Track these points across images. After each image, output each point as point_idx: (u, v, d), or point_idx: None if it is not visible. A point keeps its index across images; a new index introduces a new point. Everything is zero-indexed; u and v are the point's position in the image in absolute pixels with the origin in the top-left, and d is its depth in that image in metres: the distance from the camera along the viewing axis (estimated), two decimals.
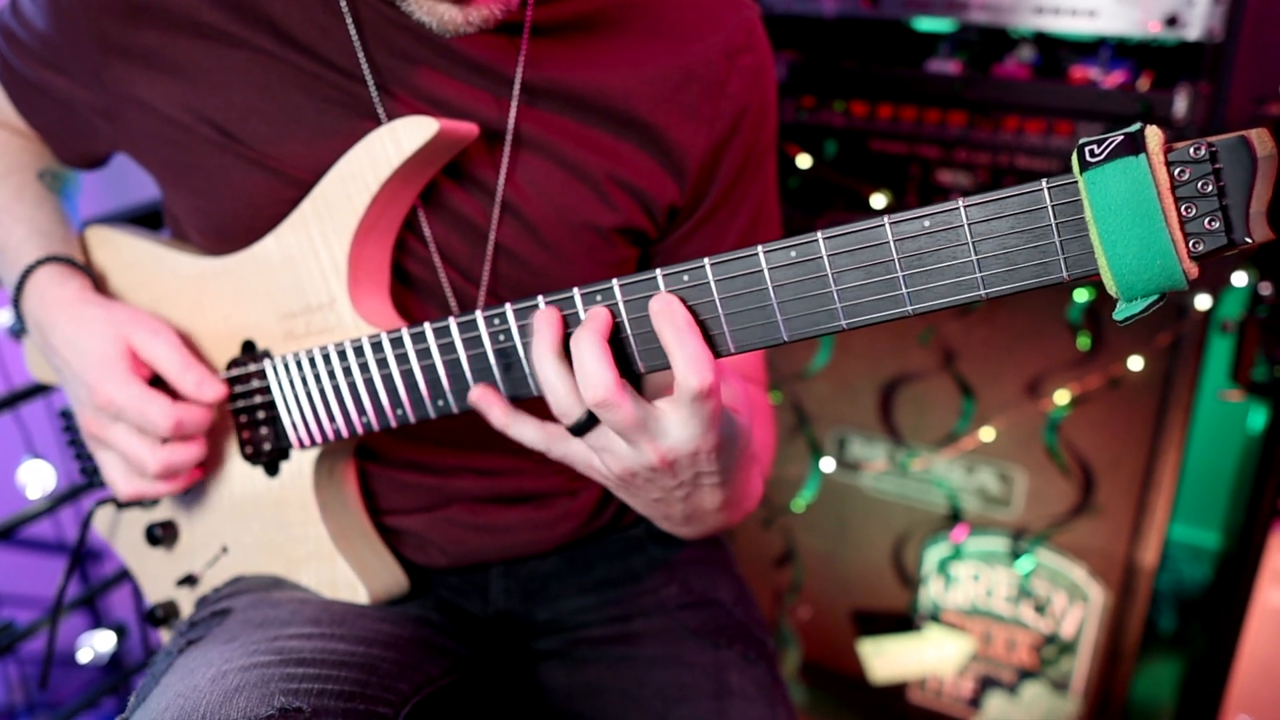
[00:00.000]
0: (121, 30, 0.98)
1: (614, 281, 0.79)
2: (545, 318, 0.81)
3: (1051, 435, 1.98)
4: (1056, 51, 1.90)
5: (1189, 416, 1.88)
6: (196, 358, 1.05)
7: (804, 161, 1.99)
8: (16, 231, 1.12)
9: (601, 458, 0.86)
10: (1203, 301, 1.78)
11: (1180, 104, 1.70)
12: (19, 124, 1.17)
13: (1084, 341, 1.89)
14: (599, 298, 0.80)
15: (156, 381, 1.04)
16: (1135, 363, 1.85)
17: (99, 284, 1.13)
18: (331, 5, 0.97)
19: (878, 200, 1.95)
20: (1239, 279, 1.79)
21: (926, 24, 1.94)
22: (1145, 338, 1.84)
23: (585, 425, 0.82)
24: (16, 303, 1.10)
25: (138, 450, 1.01)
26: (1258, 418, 1.96)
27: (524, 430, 0.88)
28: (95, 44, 1.00)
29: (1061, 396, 1.93)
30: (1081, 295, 1.86)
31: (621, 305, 0.79)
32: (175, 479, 1.04)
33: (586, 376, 0.77)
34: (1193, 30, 1.69)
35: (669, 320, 0.77)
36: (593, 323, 0.79)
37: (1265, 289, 1.75)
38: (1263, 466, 1.86)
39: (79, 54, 1.01)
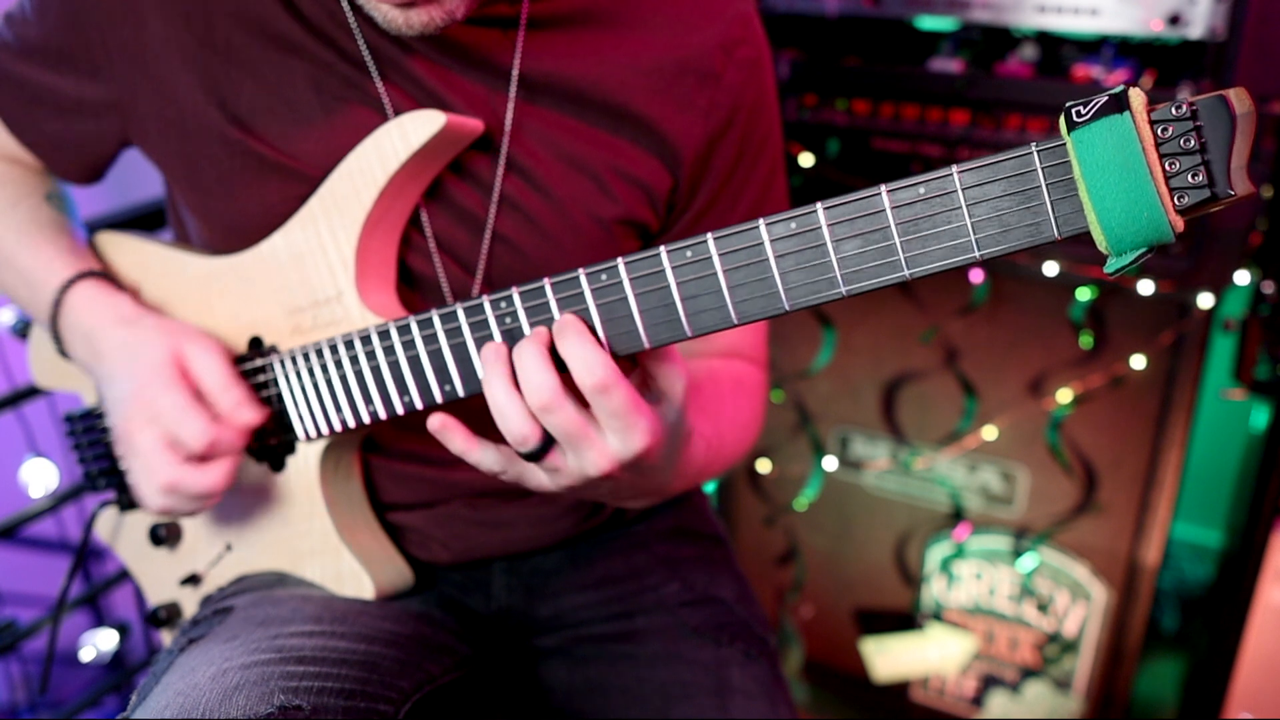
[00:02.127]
0: (134, 25, 0.98)
1: (619, 260, 0.80)
2: (494, 352, 0.83)
3: (1054, 434, 1.98)
4: (1059, 50, 1.89)
5: (1191, 415, 1.88)
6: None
7: (806, 160, 1.99)
8: (44, 252, 1.12)
9: (553, 478, 0.86)
10: (1205, 300, 1.77)
11: None
12: (14, 150, 1.16)
13: (1086, 340, 1.89)
14: (604, 276, 0.81)
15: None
16: (1138, 361, 1.85)
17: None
18: None
19: None
20: (1241, 278, 1.78)
21: (929, 22, 1.94)
22: (1148, 336, 1.84)
23: (541, 451, 0.83)
24: (54, 316, 1.08)
25: (156, 459, 0.98)
26: (1260, 416, 1.96)
27: (484, 455, 0.88)
28: (107, 37, 1.00)
29: (1064, 395, 1.93)
30: (1084, 294, 1.86)
31: (627, 283, 0.80)
32: (206, 500, 1.02)
33: (529, 381, 0.79)
34: (1195, 29, 1.68)
35: (562, 335, 0.80)
36: (535, 338, 0.81)
37: (1268, 288, 1.75)
38: (1265, 465, 1.86)
39: (89, 48, 1.01)
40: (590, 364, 0.78)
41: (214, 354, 1.02)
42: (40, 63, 1.06)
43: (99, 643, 1.86)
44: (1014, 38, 1.91)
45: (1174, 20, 1.69)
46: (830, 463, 2.20)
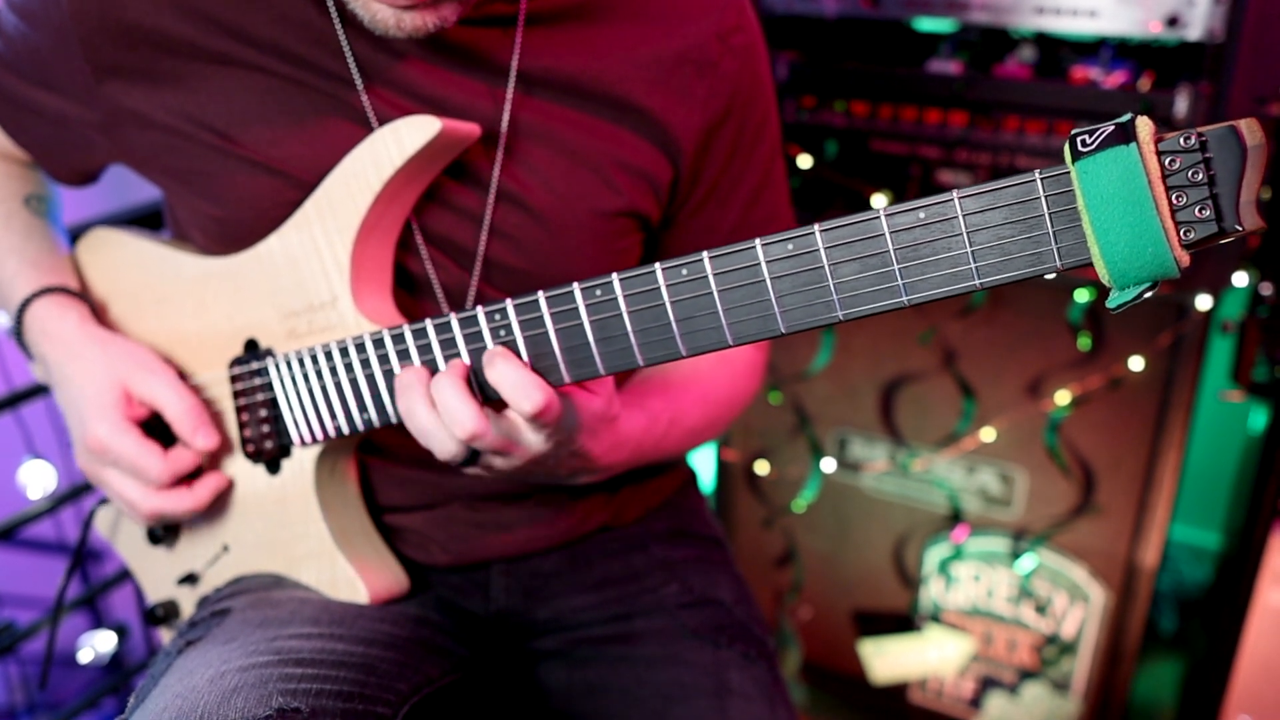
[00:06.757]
0: (114, 49, 0.98)
1: (613, 276, 0.80)
2: (410, 377, 0.89)
3: (1052, 435, 1.98)
4: (1057, 52, 1.89)
5: (1190, 417, 1.88)
6: (196, 396, 1.06)
7: (805, 162, 1.99)
8: (8, 265, 1.12)
9: (490, 472, 0.93)
10: (1203, 302, 1.78)
11: (1181, 104, 1.70)
12: (7, 145, 1.16)
13: (1085, 342, 1.89)
14: (599, 292, 0.81)
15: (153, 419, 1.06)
16: (1136, 363, 1.85)
17: (96, 310, 1.12)
18: (322, 8, 0.97)
19: (878, 200, 1.95)
20: (1240, 279, 1.78)
21: (927, 24, 1.94)
22: (1146, 338, 1.84)
23: (469, 461, 0.90)
24: (19, 337, 1.11)
25: (131, 494, 1.04)
26: (1258, 418, 1.96)
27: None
28: (87, 62, 0.99)
29: (1062, 397, 1.93)
30: (1082, 296, 1.86)
31: (621, 299, 0.80)
32: (193, 503, 1.06)
33: (452, 416, 0.85)
34: (1194, 30, 1.68)
35: (491, 365, 0.85)
36: (451, 371, 0.87)
37: (1266, 289, 1.75)
38: (1263, 467, 1.86)
39: (71, 72, 1.01)
40: (526, 390, 0.83)
41: (160, 376, 1.04)
42: (27, 78, 1.06)
43: (97, 644, 1.86)
44: (1012, 39, 1.91)
45: (1172, 22, 1.69)
46: (828, 464, 2.20)
